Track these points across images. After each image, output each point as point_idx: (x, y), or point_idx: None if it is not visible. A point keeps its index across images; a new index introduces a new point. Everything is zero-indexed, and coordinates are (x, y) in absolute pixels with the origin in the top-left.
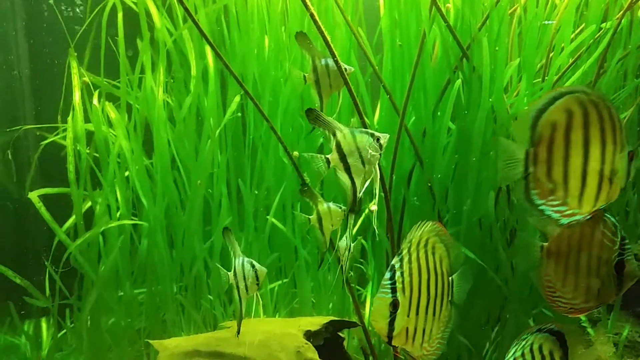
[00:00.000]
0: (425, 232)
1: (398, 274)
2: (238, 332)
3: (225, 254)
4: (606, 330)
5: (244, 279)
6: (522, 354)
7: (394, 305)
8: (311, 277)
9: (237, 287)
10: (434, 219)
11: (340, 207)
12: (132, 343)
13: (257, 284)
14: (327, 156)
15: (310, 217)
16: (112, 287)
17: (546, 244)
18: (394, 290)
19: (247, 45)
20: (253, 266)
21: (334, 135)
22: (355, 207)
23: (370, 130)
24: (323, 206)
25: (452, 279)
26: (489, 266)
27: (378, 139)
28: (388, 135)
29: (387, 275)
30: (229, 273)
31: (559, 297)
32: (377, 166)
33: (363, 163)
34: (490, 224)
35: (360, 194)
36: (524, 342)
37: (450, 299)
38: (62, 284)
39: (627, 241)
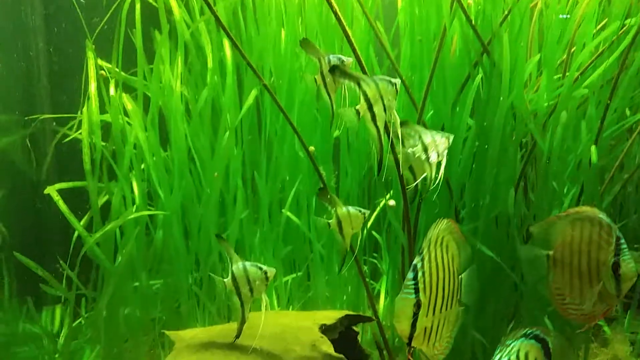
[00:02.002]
0: (441, 230)
1: (420, 273)
2: (237, 337)
3: (240, 246)
4: (623, 329)
5: (248, 282)
6: None
7: (417, 305)
8: (325, 270)
9: (238, 292)
10: (450, 215)
11: (360, 211)
12: (147, 333)
13: (266, 285)
14: (357, 107)
15: (329, 221)
16: (128, 278)
17: (551, 252)
18: (416, 291)
19: (264, 38)
20: (260, 268)
21: (359, 85)
22: (382, 156)
23: (386, 77)
24: (342, 210)
25: (461, 278)
26: (505, 263)
27: (395, 85)
28: (399, 80)
29: (410, 275)
30: (225, 280)
31: (568, 304)
32: (395, 113)
33: (385, 110)
34: (508, 220)
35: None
36: (509, 349)
37: (459, 298)
38: (77, 275)
39: (622, 241)
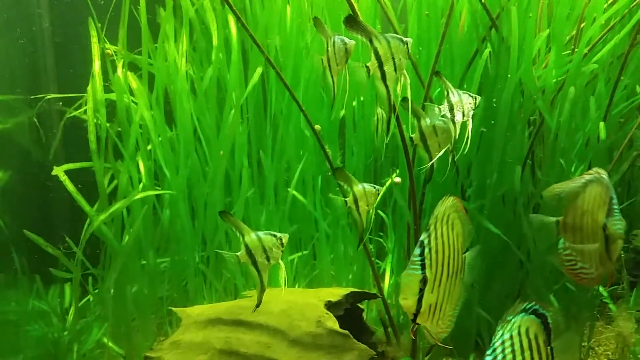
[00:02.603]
0: (447, 207)
1: (427, 250)
2: (258, 305)
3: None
4: (628, 307)
5: (264, 250)
6: (511, 337)
7: (424, 281)
8: (331, 249)
9: (254, 263)
10: (456, 193)
11: (374, 187)
12: (155, 311)
13: (282, 251)
14: (367, 64)
15: (347, 199)
16: (135, 256)
17: (561, 218)
18: (423, 267)
19: (269, 16)
20: (274, 235)
21: (371, 42)
22: (390, 116)
23: (398, 35)
24: (358, 187)
25: (464, 257)
26: (512, 240)
27: (406, 43)
28: (411, 40)
29: (417, 251)
30: (237, 254)
31: (579, 269)
32: (405, 73)
33: (395, 69)
34: (515, 198)
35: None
36: (510, 325)
37: (462, 276)
38: (87, 254)
39: (614, 201)
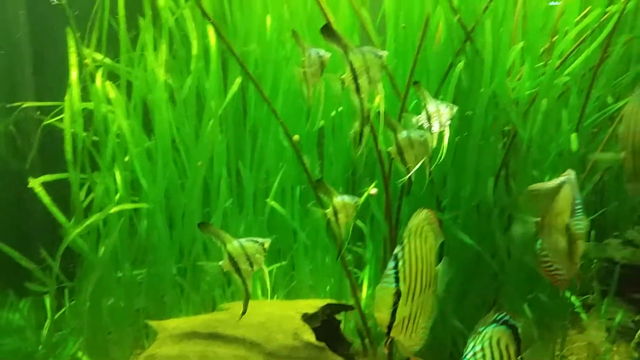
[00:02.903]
0: (420, 220)
1: (400, 263)
2: (243, 313)
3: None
4: (599, 316)
5: (247, 257)
6: (482, 348)
7: (397, 295)
8: (309, 259)
9: (238, 269)
10: (432, 204)
11: (354, 199)
12: (131, 323)
13: (264, 256)
14: (342, 76)
15: (326, 211)
16: (111, 268)
17: (539, 218)
18: (397, 280)
19: (248, 25)
20: (256, 241)
21: (346, 54)
22: (364, 127)
23: (373, 49)
24: (338, 199)
25: (437, 269)
26: (486, 251)
27: (381, 57)
28: (387, 52)
29: (391, 264)
30: (220, 263)
31: (554, 270)
32: (380, 85)
33: (369, 82)
34: (489, 209)
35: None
36: (481, 336)
37: (434, 289)
38: (60, 267)
39: (578, 201)
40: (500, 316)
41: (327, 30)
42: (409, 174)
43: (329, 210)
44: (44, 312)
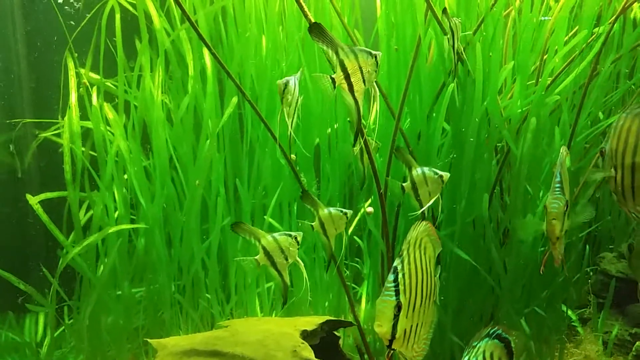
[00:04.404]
0: (420, 232)
1: (400, 275)
2: (284, 305)
3: (222, 253)
4: (595, 329)
5: (282, 251)
6: None
7: (398, 307)
8: (308, 276)
9: (274, 262)
10: (428, 220)
11: (342, 211)
12: (130, 341)
13: (297, 248)
14: (332, 76)
15: (312, 223)
16: (110, 286)
17: None
18: (397, 293)
19: (244, 46)
20: (290, 235)
21: (337, 53)
22: (359, 128)
23: (367, 49)
24: (324, 212)
25: (436, 279)
26: (482, 266)
27: (375, 57)
28: (381, 53)
29: (391, 277)
30: (256, 258)
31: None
32: (375, 86)
33: (364, 81)
34: (484, 224)
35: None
36: (475, 350)
37: (434, 299)
38: (60, 284)
39: (557, 180)
40: (493, 330)
41: (316, 29)
42: (422, 210)
43: (315, 223)
44: (45, 331)
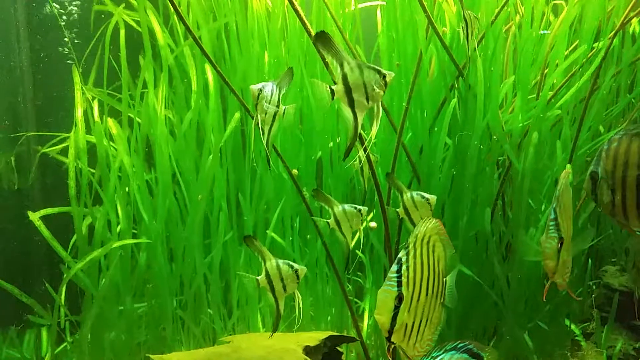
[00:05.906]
0: (429, 229)
1: (404, 267)
2: (274, 332)
3: (225, 268)
4: (597, 344)
5: (281, 280)
6: None
7: (399, 299)
8: (310, 290)
9: (272, 288)
10: None
11: (356, 208)
12: (132, 357)
13: (297, 283)
14: (332, 87)
15: (328, 221)
16: (112, 302)
17: None
18: (399, 284)
19: (247, 61)
20: (292, 266)
21: (341, 66)
22: (353, 143)
23: (377, 67)
24: (339, 209)
25: (445, 280)
26: (485, 280)
27: (384, 76)
28: (393, 74)
29: (394, 267)
30: (258, 278)
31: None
32: (379, 104)
33: (367, 99)
34: (486, 238)
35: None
36: None
37: (442, 300)
38: (63, 300)
39: (551, 217)
40: (463, 344)
41: (322, 38)
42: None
43: (331, 220)
44: (46, 344)
